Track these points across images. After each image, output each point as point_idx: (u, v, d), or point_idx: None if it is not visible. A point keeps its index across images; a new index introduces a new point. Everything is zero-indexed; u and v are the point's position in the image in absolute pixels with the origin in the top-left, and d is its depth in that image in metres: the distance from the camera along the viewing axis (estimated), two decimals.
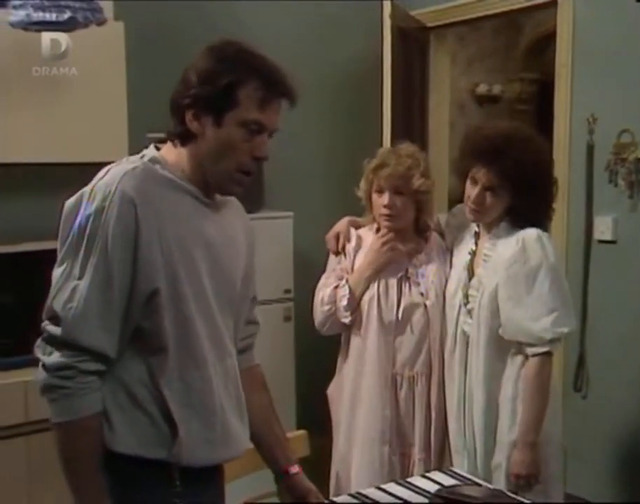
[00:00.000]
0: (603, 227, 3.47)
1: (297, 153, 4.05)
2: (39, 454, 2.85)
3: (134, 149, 3.13)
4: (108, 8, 3.00)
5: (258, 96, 1.56)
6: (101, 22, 2.80)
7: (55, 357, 1.48)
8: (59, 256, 1.53)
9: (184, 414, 1.58)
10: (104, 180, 1.53)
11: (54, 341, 1.49)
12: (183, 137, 1.59)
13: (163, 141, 1.66)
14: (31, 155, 3.04)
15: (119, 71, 3.14)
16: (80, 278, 1.48)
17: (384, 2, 3.81)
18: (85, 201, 1.51)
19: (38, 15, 2.62)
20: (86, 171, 3.53)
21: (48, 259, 2.91)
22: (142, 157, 1.61)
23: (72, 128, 3.07)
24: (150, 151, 1.64)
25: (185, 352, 1.58)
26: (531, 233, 2.31)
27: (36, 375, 1.52)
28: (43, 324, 1.52)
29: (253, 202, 3.57)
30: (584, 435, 3.53)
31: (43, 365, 1.50)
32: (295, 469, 1.86)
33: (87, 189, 1.54)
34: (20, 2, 2.58)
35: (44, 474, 2.86)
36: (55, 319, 1.49)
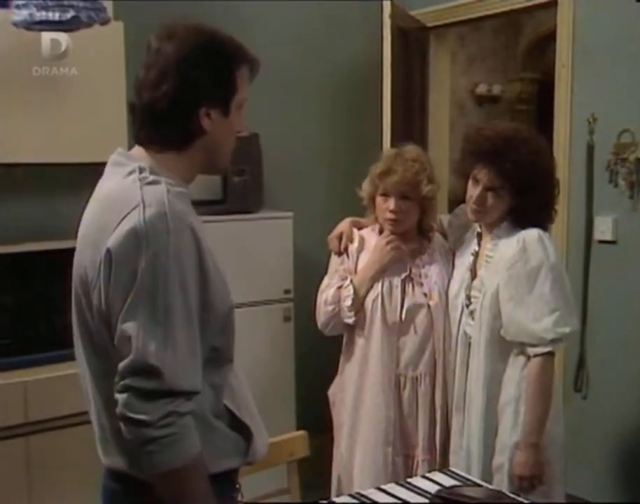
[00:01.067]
0: (603, 228, 3.46)
1: (297, 153, 4.04)
2: (39, 455, 2.85)
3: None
4: (107, 8, 3.00)
5: (246, 76, 1.60)
6: (104, 22, 2.80)
7: (154, 409, 1.39)
8: (126, 305, 1.40)
9: (243, 415, 1.60)
10: (152, 211, 1.42)
11: (150, 395, 1.40)
12: (188, 138, 1.54)
13: (137, 140, 1.59)
14: (31, 155, 3.03)
15: (119, 70, 3.13)
16: (164, 324, 1.40)
17: (384, 2, 3.80)
18: (144, 240, 1.40)
19: (41, 15, 2.60)
20: (86, 171, 3.53)
21: (48, 259, 2.93)
22: (143, 172, 1.51)
23: (72, 128, 3.06)
24: (138, 161, 1.53)
25: (226, 353, 1.61)
26: (532, 233, 2.31)
27: (126, 434, 1.43)
28: (126, 382, 1.40)
29: (253, 202, 3.58)
30: (584, 436, 3.52)
31: (141, 423, 1.39)
32: None
33: (136, 226, 1.41)
34: (23, 2, 2.57)
35: (44, 475, 2.86)
36: (149, 372, 1.39)
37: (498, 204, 2.33)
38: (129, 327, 1.40)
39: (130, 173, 1.51)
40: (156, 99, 1.51)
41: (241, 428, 1.58)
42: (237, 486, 1.64)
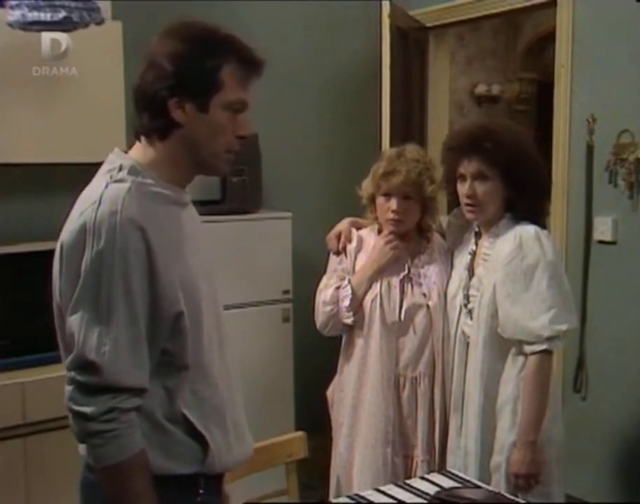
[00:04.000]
0: (603, 228, 3.46)
1: (295, 153, 4.04)
2: (37, 456, 2.85)
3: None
4: (106, 8, 3.00)
5: (239, 75, 1.56)
6: (99, 22, 2.80)
7: (96, 403, 1.43)
8: (73, 300, 1.44)
9: (205, 425, 1.58)
10: (104, 209, 1.44)
11: (91, 389, 1.43)
12: (164, 130, 1.53)
13: (135, 135, 1.60)
14: (31, 155, 3.03)
15: (117, 70, 3.13)
16: (106, 320, 1.43)
17: (383, 2, 3.80)
18: (90, 236, 1.43)
19: (33, 15, 2.61)
20: (86, 171, 3.53)
21: (46, 259, 2.92)
22: (120, 170, 1.52)
23: (72, 128, 3.06)
24: (123, 160, 1.56)
25: (196, 365, 1.58)
26: (528, 230, 2.31)
27: (73, 425, 1.47)
28: (70, 375, 1.45)
29: (252, 202, 3.57)
30: (583, 436, 3.52)
31: (83, 415, 1.43)
32: None
33: (87, 223, 1.44)
34: (16, 2, 2.58)
35: (42, 476, 2.85)
36: (88, 367, 1.43)
37: (489, 191, 2.33)
38: (73, 322, 1.44)
39: (109, 171, 1.53)
40: (138, 87, 1.54)
41: (198, 437, 1.58)
42: (200, 491, 1.61)
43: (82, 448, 1.57)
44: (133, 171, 1.53)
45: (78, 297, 1.44)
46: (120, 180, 1.50)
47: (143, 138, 1.58)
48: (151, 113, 1.53)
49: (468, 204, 2.37)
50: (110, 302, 1.43)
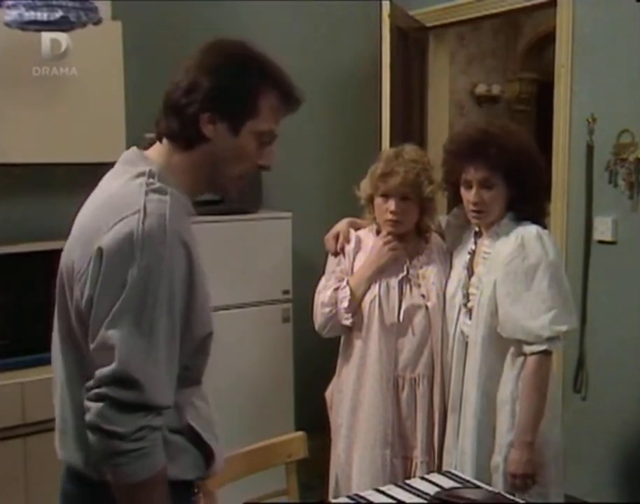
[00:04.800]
0: (603, 228, 3.46)
1: (295, 153, 4.03)
2: (37, 456, 2.84)
3: None
4: (105, 8, 3.00)
5: (276, 107, 1.55)
6: (96, 22, 2.80)
7: (130, 422, 1.38)
8: (112, 313, 1.38)
9: (207, 435, 1.60)
10: (152, 222, 1.40)
11: (127, 407, 1.38)
12: (190, 140, 1.51)
13: (156, 134, 1.57)
14: (31, 155, 3.03)
15: (117, 70, 3.13)
16: (148, 337, 1.38)
17: (383, 2, 3.80)
18: (138, 249, 1.38)
19: (30, 15, 2.61)
20: (85, 171, 3.53)
21: (45, 260, 2.92)
22: (152, 177, 1.49)
23: (72, 128, 3.06)
24: (150, 164, 1.52)
25: (198, 371, 1.60)
26: (530, 230, 2.31)
27: (96, 443, 1.40)
28: (102, 391, 1.38)
29: (252, 202, 3.57)
30: (583, 437, 3.52)
31: (114, 434, 1.37)
32: None
33: (133, 233, 1.39)
34: (13, 2, 2.58)
35: (42, 476, 2.84)
36: (130, 384, 1.37)
37: (495, 197, 2.33)
38: (113, 335, 1.38)
39: (139, 175, 1.49)
40: (172, 91, 1.51)
41: (203, 447, 1.59)
42: (196, 490, 1.64)
43: (63, 454, 1.58)
44: (163, 179, 1.50)
45: (120, 310, 1.38)
46: (159, 191, 1.46)
47: (166, 141, 1.55)
48: (181, 120, 1.50)
49: (474, 210, 2.37)
50: (153, 319, 1.39)
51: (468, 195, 2.36)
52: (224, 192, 1.63)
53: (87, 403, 1.40)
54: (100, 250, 1.41)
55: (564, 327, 2.28)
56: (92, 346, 1.41)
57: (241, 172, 1.56)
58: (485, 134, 2.34)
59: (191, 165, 1.53)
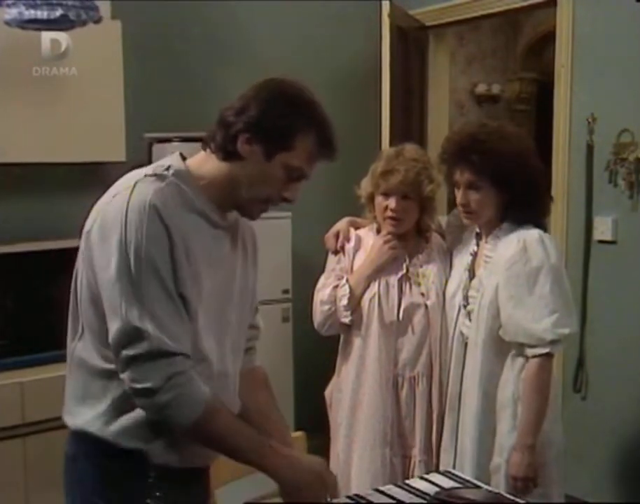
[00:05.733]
0: (603, 228, 3.46)
1: None
2: (36, 456, 2.84)
3: (132, 149, 3.16)
4: (105, 7, 2.99)
5: (311, 148, 1.66)
6: (96, 20, 2.79)
7: (156, 373, 1.48)
8: (109, 280, 1.51)
9: None
10: (135, 199, 1.52)
11: (146, 358, 1.48)
12: (228, 153, 1.61)
13: (202, 144, 1.67)
14: (32, 155, 3.03)
15: (116, 70, 3.13)
16: (140, 297, 1.49)
17: (383, 1, 3.80)
18: (121, 222, 1.51)
19: (30, 13, 2.61)
20: (86, 171, 3.53)
21: (45, 259, 2.92)
22: (166, 170, 1.60)
23: (72, 128, 3.07)
24: (175, 162, 1.64)
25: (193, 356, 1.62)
26: (532, 233, 2.30)
27: (143, 405, 1.52)
28: (122, 355, 1.50)
29: None
30: (583, 436, 3.52)
31: (148, 391, 1.49)
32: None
33: (120, 206, 1.53)
34: (13, 0, 2.58)
35: (41, 476, 2.85)
36: (136, 335, 1.48)
37: (482, 199, 2.33)
38: (112, 298, 1.51)
39: (156, 167, 1.62)
40: (226, 109, 1.63)
41: None
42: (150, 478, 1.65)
43: (69, 418, 1.65)
44: (178, 174, 1.60)
45: (114, 276, 1.50)
46: (159, 176, 1.58)
47: (208, 150, 1.65)
48: (224, 134, 1.61)
49: (463, 211, 2.39)
50: (141, 282, 1.49)
51: (457, 196, 2.39)
52: (245, 212, 1.71)
53: (121, 376, 1.51)
54: (96, 225, 1.55)
55: (566, 330, 2.28)
56: (105, 308, 1.53)
57: (264, 197, 1.67)
58: (471, 138, 2.33)
59: (221, 175, 1.63)
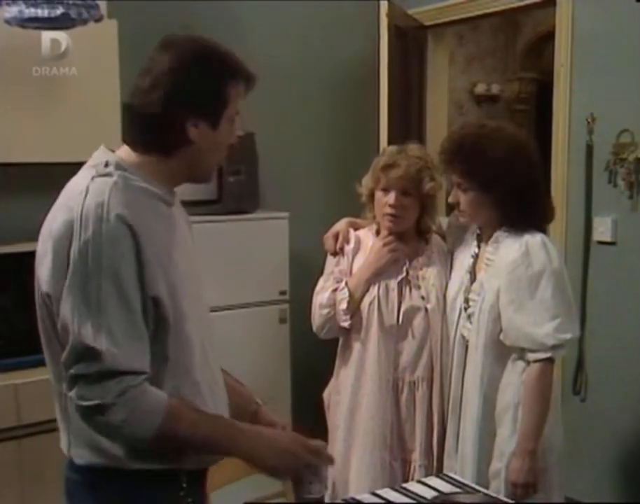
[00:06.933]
0: (602, 228, 3.44)
1: (293, 153, 4.02)
2: (31, 458, 2.82)
3: None
4: (101, 7, 2.98)
5: (240, 90, 1.61)
6: (97, 19, 2.78)
7: (106, 390, 1.41)
8: (63, 291, 1.44)
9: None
10: (90, 201, 1.46)
11: (96, 377, 1.41)
12: (170, 148, 1.56)
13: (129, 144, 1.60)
14: (31, 155, 3.03)
15: (113, 69, 3.12)
16: (96, 309, 1.42)
17: (381, 1, 3.79)
18: (78, 227, 1.44)
19: (30, 11, 2.60)
20: None
21: None
22: (107, 165, 1.53)
23: (72, 128, 3.06)
24: (109, 156, 1.56)
25: (178, 360, 1.58)
26: (535, 237, 2.28)
27: (93, 424, 1.45)
28: (71, 372, 1.42)
29: (249, 202, 3.55)
30: (583, 438, 3.50)
31: (98, 408, 1.41)
32: (257, 407, 1.87)
33: (74, 214, 1.46)
34: None
35: (37, 478, 2.83)
36: (88, 354, 1.41)
37: (471, 201, 2.32)
38: (65, 312, 1.43)
39: (94, 165, 1.55)
40: (146, 105, 1.53)
41: None
42: (184, 485, 1.62)
43: (64, 444, 1.59)
44: (119, 166, 1.54)
45: (68, 287, 1.43)
46: (107, 174, 1.51)
47: (138, 146, 1.58)
48: (160, 129, 1.54)
49: (458, 210, 2.40)
50: (99, 291, 1.42)
51: (451, 194, 2.40)
52: (205, 180, 1.68)
53: (68, 394, 1.45)
54: (49, 235, 1.49)
55: (567, 336, 2.27)
56: (59, 331, 1.47)
57: (219, 159, 1.65)
58: (461, 141, 2.33)
59: (169, 167, 1.58)
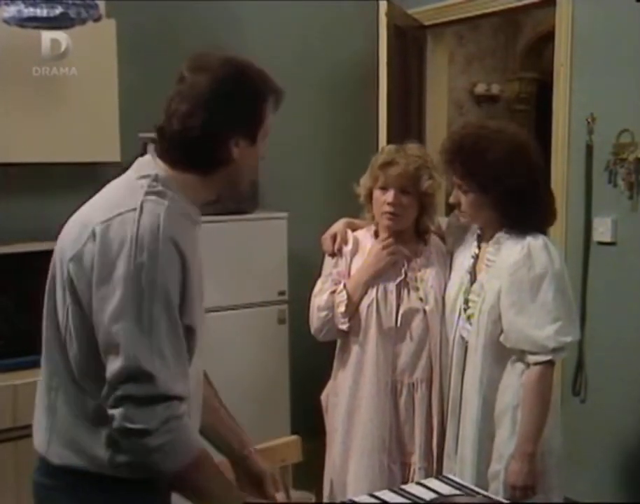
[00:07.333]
0: (602, 229, 3.43)
1: (292, 153, 4.01)
2: (28, 459, 2.80)
3: (127, 149, 3.13)
4: (100, 7, 2.97)
5: (272, 106, 1.65)
6: (96, 18, 2.78)
7: (154, 416, 1.43)
8: (113, 310, 1.43)
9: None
10: (145, 222, 1.46)
11: (147, 401, 1.43)
12: (214, 166, 1.59)
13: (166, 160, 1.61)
14: (31, 155, 3.03)
15: (111, 69, 3.12)
16: (148, 332, 1.43)
17: (380, 1, 3.78)
18: (132, 247, 1.44)
19: (29, 11, 2.59)
20: (83, 171, 3.51)
21: (39, 260, 2.89)
22: (156, 181, 1.55)
23: (72, 128, 3.06)
24: (158, 170, 1.58)
25: None
26: (537, 240, 2.27)
27: (130, 444, 1.45)
28: (119, 393, 1.42)
29: (248, 203, 3.54)
30: (583, 439, 3.49)
31: (142, 432, 1.42)
32: (248, 452, 1.89)
33: (127, 231, 1.45)
34: None
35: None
36: (143, 377, 1.42)
37: (471, 202, 2.32)
38: (117, 332, 1.43)
39: (143, 177, 1.56)
40: (187, 129, 1.55)
41: None
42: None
43: (41, 442, 1.59)
44: (167, 185, 1.56)
45: (120, 307, 1.43)
46: (159, 194, 1.53)
47: (178, 165, 1.60)
48: (203, 151, 1.58)
49: (459, 210, 2.39)
50: (152, 313, 1.44)
51: (452, 194, 2.39)
52: (237, 197, 1.79)
53: (110, 411, 1.44)
54: (94, 236, 1.47)
55: (568, 338, 2.26)
56: (98, 339, 1.46)
57: (253, 175, 1.73)
58: (461, 141, 2.32)
59: (208, 184, 1.61)
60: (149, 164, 1.60)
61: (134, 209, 1.48)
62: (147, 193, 1.51)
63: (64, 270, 1.52)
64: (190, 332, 1.54)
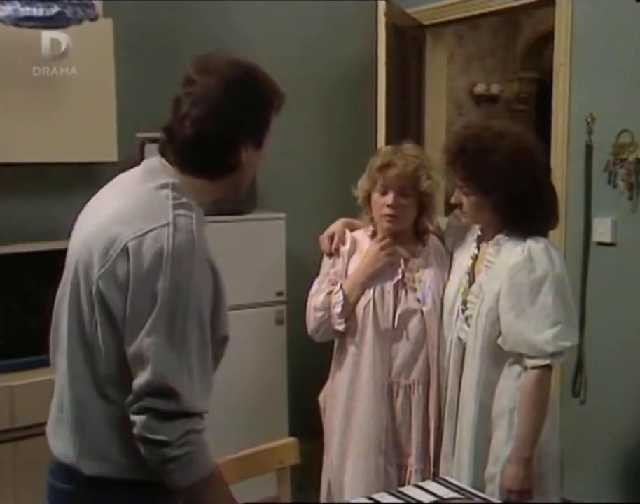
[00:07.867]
0: (602, 229, 3.42)
1: (290, 153, 3.99)
2: (26, 461, 2.81)
3: (124, 149, 3.13)
4: (97, 6, 2.97)
5: (277, 110, 1.68)
6: (93, 18, 2.77)
7: (173, 429, 1.46)
8: (147, 324, 1.45)
9: None
10: (181, 238, 1.47)
11: (169, 416, 1.46)
12: (224, 171, 1.61)
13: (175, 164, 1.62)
14: (31, 155, 3.03)
15: (109, 69, 3.11)
16: (179, 348, 1.46)
17: (379, 0, 3.77)
18: (168, 263, 1.45)
19: (25, 10, 2.60)
20: (81, 171, 3.51)
21: (42, 260, 2.89)
22: (175, 189, 1.55)
23: (72, 128, 3.06)
24: (173, 177, 1.58)
25: None
26: (538, 243, 2.26)
27: (148, 453, 1.48)
28: (142, 403, 1.46)
29: (246, 203, 3.53)
30: (582, 440, 3.49)
31: (161, 443, 1.46)
32: None
33: (163, 247, 1.46)
34: None
35: (31, 481, 2.80)
36: (168, 393, 1.45)
37: (472, 204, 2.31)
38: (149, 347, 1.45)
39: (163, 186, 1.56)
40: (201, 133, 1.56)
41: None
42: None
43: (55, 443, 1.64)
44: (183, 193, 1.56)
45: (153, 323, 1.45)
46: (185, 206, 1.54)
47: (188, 168, 1.60)
48: (214, 156, 1.59)
49: (460, 211, 2.38)
50: (185, 332, 1.47)
51: (454, 194, 2.38)
52: (235, 200, 1.78)
53: (132, 417, 1.48)
54: (126, 252, 1.47)
55: (567, 343, 2.25)
56: (128, 352, 1.48)
57: (255, 174, 1.74)
58: (464, 143, 2.30)
59: (216, 187, 1.63)
60: (162, 170, 1.60)
61: (167, 224, 1.48)
62: (174, 206, 1.52)
63: (91, 286, 1.51)
64: (224, 341, 1.59)
